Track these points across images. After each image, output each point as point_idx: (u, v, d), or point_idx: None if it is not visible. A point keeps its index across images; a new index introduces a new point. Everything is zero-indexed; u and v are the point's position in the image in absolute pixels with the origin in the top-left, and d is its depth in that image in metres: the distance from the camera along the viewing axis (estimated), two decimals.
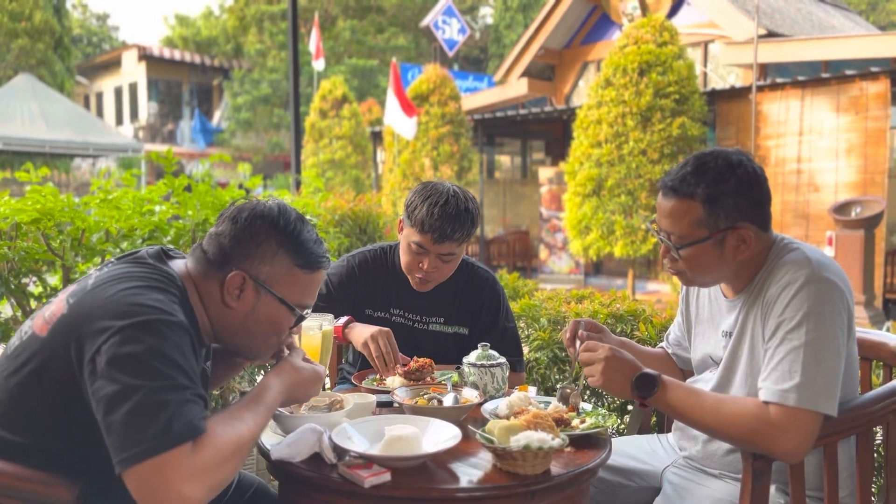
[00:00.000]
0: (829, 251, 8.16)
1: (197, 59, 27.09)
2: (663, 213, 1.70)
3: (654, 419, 2.36)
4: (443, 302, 2.33)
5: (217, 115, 27.24)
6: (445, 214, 2.10)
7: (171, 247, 1.58)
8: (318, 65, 14.68)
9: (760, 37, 9.94)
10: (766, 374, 1.56)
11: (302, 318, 1.54)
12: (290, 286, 1.48)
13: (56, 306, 1.37)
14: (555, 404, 1.78)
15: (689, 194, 1.64)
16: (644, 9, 12.72)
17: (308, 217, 3.89)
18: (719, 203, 1.62)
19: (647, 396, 1.60)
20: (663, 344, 2.15)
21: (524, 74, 14.72)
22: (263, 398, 1.42)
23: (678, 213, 1.66)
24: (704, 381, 1.84)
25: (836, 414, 1.52)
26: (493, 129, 14.87)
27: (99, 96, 29.03)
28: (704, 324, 1.91)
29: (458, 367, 2.03)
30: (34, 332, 1.35)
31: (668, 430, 2.04)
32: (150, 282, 1.36)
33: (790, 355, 1.53)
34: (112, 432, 1.21)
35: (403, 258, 2.25)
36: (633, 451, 2.00)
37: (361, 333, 2.11)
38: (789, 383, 1.51)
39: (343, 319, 2.19)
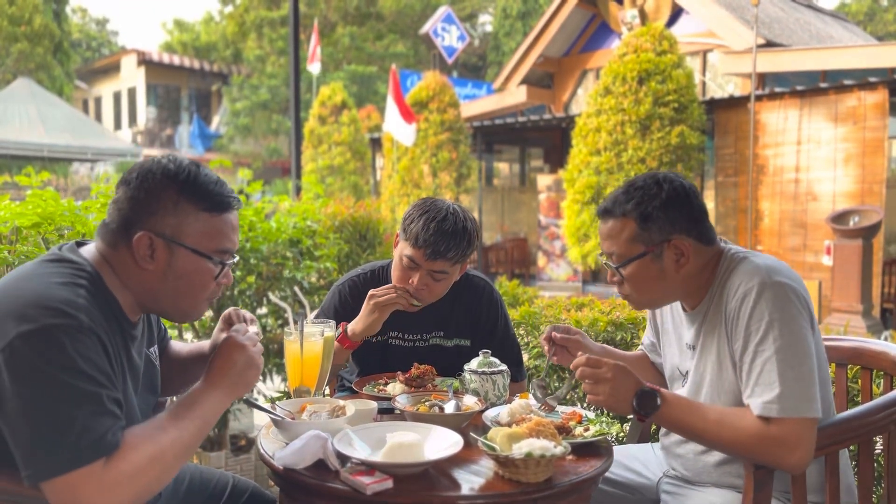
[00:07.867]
0: (827, 260, 8.17)
1: (196, 65, 27.13)
2: (603, 236, 1.78)
3: (654, 427, 2.36)
4: (440, 315, 2.28)
5: (216, 120, 27.25)
6: (441, 230, 2.06)
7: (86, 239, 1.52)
8: (314, 68, 14.64)
9: (759, 46, 9.98)
10: (749, 389, 1.58)
11: (225, 266, 1.46)
12: (201, 234, 1.41)
13: None
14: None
15: (622, 213, 1.72)
16: (643, 18, 12.77)
17: (308, 223, 3.90)
18: (651, 217, 1.69)
19: (649, 415, 1.60)
20: (641, 347, 2.17)
21: (523, 82, 14.75)
22: (193, 409, 1.37)
23: (614, 232, 1.74)
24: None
25: (820, 414, 1.54)
26: (491, 136, 14.88)
27: (98, 101, 29.05)
28: (670, 335, 1.94)
29: (459, 375, 2.03)
30: None
31: None
32: (55, 277, 1.30)
33: (766, 366, 1.55)
34: (19, 447, 1.19)
35: (394, 273, 2.19)
36: (628, 462, 2.01)
37: (360, 315, 2.14)
38: (770, 395, 1.53)
39: (339, 331, 2.14)
